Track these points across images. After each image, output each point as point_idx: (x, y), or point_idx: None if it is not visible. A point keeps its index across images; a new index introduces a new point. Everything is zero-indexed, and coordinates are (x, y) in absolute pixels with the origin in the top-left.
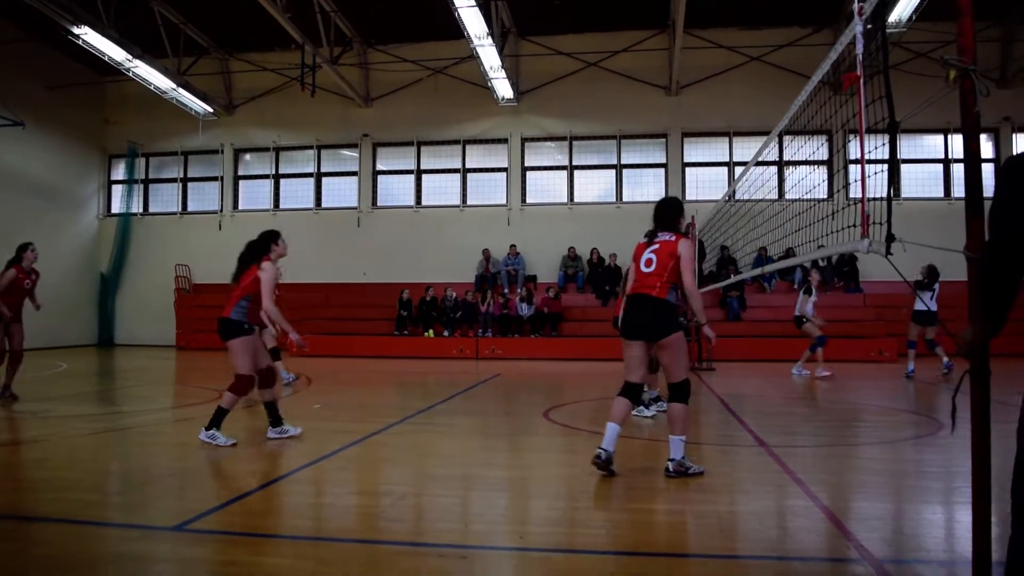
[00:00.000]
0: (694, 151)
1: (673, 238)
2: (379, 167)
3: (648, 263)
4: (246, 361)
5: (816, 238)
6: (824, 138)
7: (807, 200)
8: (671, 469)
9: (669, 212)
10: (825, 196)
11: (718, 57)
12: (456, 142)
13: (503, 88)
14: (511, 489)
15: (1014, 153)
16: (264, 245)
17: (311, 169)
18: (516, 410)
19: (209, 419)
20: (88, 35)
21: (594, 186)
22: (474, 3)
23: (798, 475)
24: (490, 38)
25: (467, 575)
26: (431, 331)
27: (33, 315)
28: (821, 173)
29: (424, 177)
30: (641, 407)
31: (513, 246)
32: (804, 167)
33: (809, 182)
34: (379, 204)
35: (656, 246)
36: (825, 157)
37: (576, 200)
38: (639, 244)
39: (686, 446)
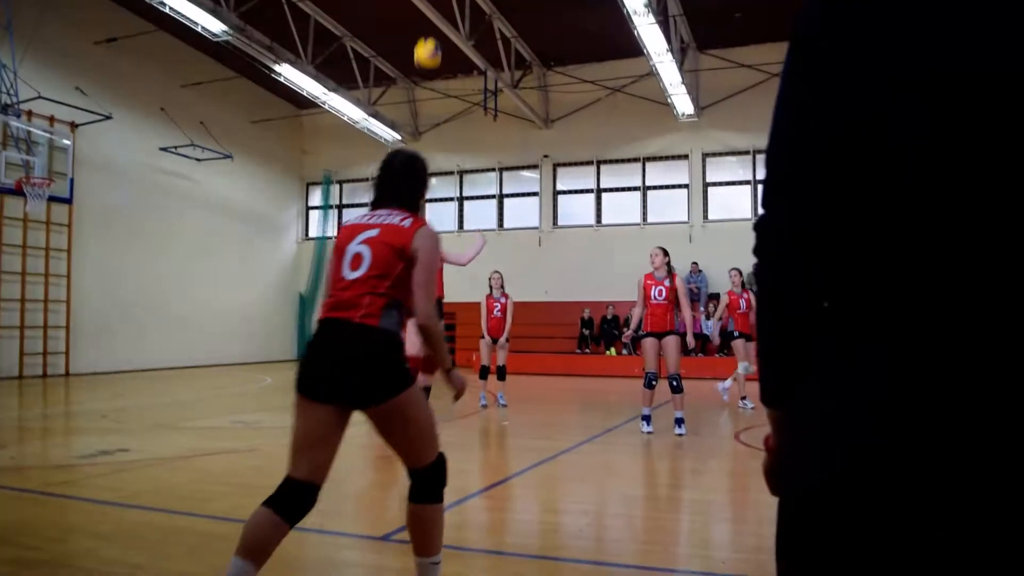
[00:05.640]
0: None
1: (408, 222)
2: (559, 187)
3: (356, 262)
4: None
5: None
6: None
7: None
8: None
9: (405, 177)
10: None
11: None
12: (636, 160)
13: (683, 104)
14: (706, 512)
15: None
16: None
17: (493, 191)
18: (705, 431)
19: None
20: (288, 72)
21: None
22: (653, 20)
23: None
24: (669, 54)
25: None
26: (612, 349)
27: (241, 332)
28: None
29: (604, 196)
30: None
31: (695, 263)
32: None
33: None
34: (560, 224)
35: (373, 231)
36: None
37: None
38: (344, 227)
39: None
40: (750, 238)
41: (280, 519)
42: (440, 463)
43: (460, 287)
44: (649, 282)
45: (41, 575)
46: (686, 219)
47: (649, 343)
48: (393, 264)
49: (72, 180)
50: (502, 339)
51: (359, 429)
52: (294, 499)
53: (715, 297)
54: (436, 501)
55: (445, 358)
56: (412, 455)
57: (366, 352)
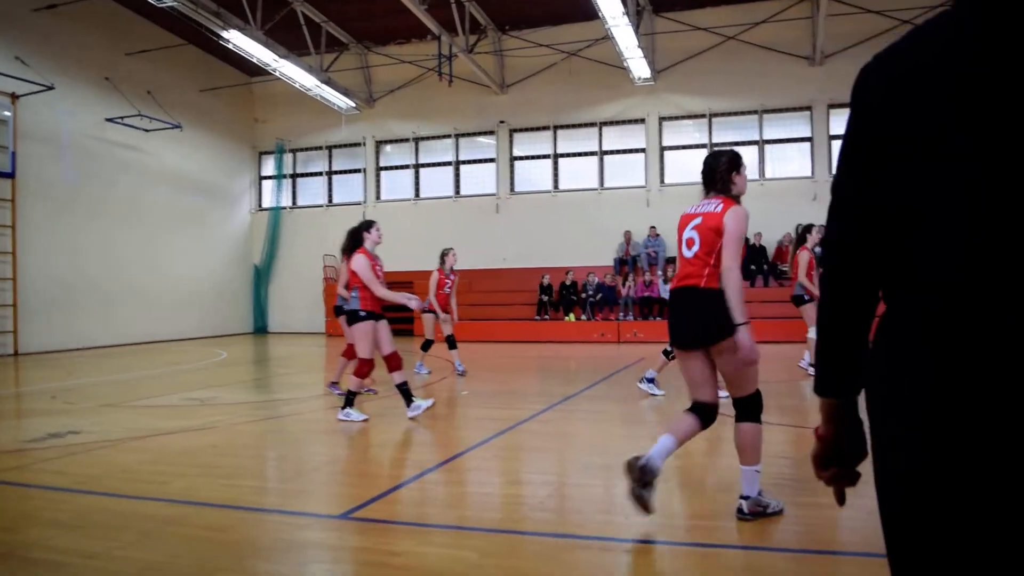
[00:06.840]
0: (842, 122)
1: (720, 207)
2: (516, 153)
3: (690, 243)
4: (364, 346)
5: None
6: None
7: None
8: (745, 510)
9: (719, 169)
10: None
11: (865, 22)
12: (592, 124)
13: (639, 68)
14: (668, 480)
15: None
16: (357, 236)
17: (450, 158)
18: (663, 397)
19: (344, 401)
20: (236, 38)
21: None
22: None
23: None
24: (625, 17)
25: (640, 570)
26: (572, 315)
27: (195, 305)
28: None
29: (561, 161)
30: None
31: (653, 227)
32: None
33: None
34: (517, 190)
35: (699, 219)
36: None
37: None
38: (681, 217)
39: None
40: None
41: (701, 425)
42: (756, 397)
43: (417, 257)
44: None
45: None
46: (643, 183)
47: None
48: (714, 241)
49: (14, 153)
50: (448, 314)
51: (315, 404)
52: (707, 414)
53: (672, 261)
54: (751, 421)
55: (739, 309)
56: (734, 386)
57: (706, 307)
